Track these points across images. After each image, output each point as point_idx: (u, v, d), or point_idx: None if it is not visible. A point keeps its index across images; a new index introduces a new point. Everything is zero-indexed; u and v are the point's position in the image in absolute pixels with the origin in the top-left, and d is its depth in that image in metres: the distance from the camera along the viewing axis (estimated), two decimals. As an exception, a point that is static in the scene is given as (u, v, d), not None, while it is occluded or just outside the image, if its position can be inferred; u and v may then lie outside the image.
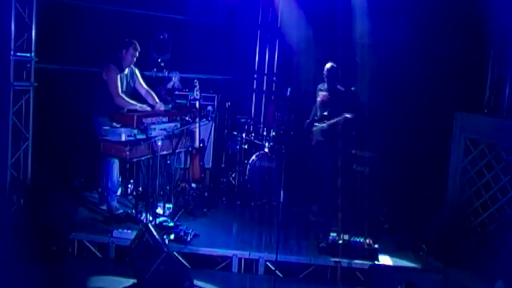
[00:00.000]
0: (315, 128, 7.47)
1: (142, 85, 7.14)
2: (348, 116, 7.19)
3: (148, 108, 6.84)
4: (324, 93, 7.48)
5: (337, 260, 6.34)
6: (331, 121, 7.29)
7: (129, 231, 6.32)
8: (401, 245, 6.97)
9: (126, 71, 6.93)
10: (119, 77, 6.76)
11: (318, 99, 7.54)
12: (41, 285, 5.55)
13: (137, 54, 6.87)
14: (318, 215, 7.34)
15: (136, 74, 7.09)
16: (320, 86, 7.56)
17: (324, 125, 7.35)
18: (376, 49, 8.09)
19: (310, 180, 7.60)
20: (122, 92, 6.82)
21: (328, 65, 7.40)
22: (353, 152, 7.81)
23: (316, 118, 7.52)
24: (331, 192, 7.29)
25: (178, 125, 6.68)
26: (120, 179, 7.29)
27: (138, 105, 6.79)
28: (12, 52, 6.44)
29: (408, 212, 7.43)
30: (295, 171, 7.84)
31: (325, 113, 7.38)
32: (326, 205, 7.37)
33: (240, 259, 6.30)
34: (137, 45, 6.85)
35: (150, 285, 5.32)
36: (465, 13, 7.08)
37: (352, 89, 7.67)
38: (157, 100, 7.05)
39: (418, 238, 7.00)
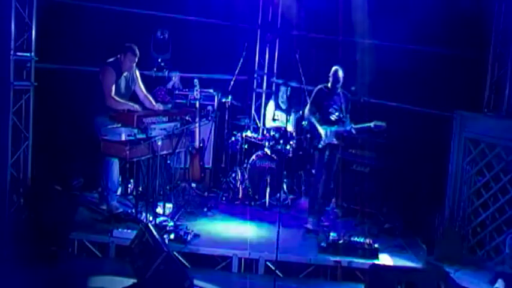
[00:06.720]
0: (328, 131, 7.02)
1: (141, 89, 7.13)
2: (380, 124, 6.94)
3: (140, 108, 6.82)
4: (330, 95, 7.08)
5: (337, 259, 6.35)
6: (358, 126, 7.02)
7: (129, 231, 6.31)
8: (401, 245, 6.99)
9: (126, 73, 6.92)
10: (114, 80, 6.74)
11: (324, 102, 7.11)
12: (41, 285, 5.54)
13: (136, 59, 6.85)
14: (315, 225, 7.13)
15: (136, 77, 7.09)
16: (321, 87, 7.13)
17: (350, 129, 7.04)
18: (376, 48, 8.09)
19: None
20: (122, 94, 6.82)
21: (334, 69, 7.05)
22: (353, 152, 7.81)
23: (318, 119, 7.11)
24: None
25: (178, 125, 6.67)
26: (120, 179, 7.29)
27: (130, 104, 6.77)
28: (12, 52, 6.42)
29: (408, 212, 7.43)
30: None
31: (334, 116, 7.08)
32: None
33: (240, 259, 6.30)
34: (136, 50, 6.82)
35: (150, 285, 5.32)
36: (465, 12, 7.07)
37: (352, 88, 7.64)
38: (154, 104, 7.06)
39: (418, 238, 7.00)
